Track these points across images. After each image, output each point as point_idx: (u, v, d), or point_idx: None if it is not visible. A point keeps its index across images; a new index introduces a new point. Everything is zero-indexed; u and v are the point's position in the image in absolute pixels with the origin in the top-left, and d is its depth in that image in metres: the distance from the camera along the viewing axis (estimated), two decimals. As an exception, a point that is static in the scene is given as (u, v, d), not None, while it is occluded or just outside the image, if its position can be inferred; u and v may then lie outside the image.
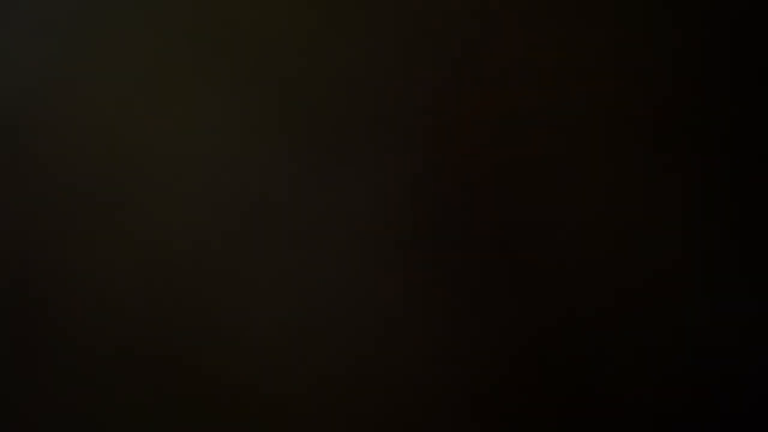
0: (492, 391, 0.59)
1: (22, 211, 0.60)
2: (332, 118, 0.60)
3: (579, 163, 0.60)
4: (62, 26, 0.60)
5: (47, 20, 0.60)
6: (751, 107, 0.60)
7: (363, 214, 0.60)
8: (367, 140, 0.60)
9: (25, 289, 0.59)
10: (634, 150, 0.60)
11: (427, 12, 0.60)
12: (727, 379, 0.59)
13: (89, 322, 0.59)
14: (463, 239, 0.59)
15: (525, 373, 0.59)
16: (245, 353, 0.59)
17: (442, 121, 0.60)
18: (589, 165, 0.60)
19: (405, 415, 0.59)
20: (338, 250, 0.59)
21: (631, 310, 0.59)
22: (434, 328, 0.59)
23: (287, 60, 0.60)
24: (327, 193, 0.60)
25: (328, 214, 0.60)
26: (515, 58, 0.60)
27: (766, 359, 0.59)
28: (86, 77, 0.60)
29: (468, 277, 0.59)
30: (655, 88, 0.60)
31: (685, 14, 0.60)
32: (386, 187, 0.60)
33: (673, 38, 0.60)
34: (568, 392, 0.59)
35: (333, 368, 0.59)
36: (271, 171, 0.60)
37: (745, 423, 0.59)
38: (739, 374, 0.59)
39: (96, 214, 0.60)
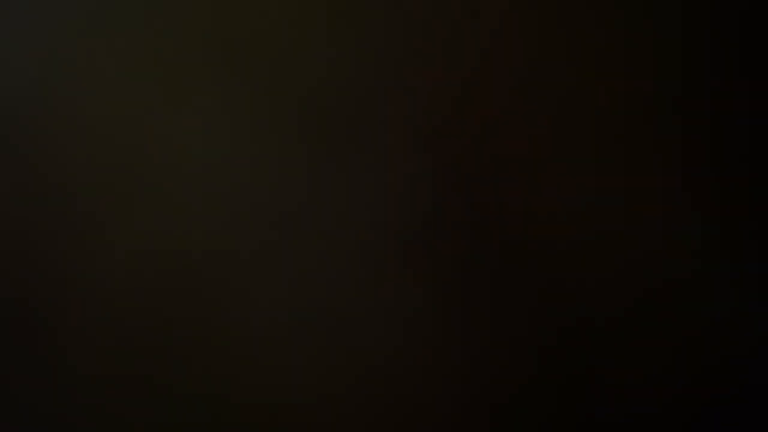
0: (498, 394, 0.59)
1: (21, 213, 0.60)
2: (333, 120, 0.60)
3: (586, 164, 0.60)
4: (62, 27, 0.60)
5: (48, 21, 0.60)
6: (757, 107, 0.60)
7: (365, 215, 0.60)
8: (368, 141, 0.60)
9: (25, 292, 0.59)
10: (641, 151, 0.60)
11: (428, 12, 0.60)
12: (735, 382, 0.59)
13: (89, 324, 0.59)
14: (467, 240, 0.59)
15: (532, 376, 0.59)
16: (246, 355, 0.59)
17: (444, 122, 0.60)
18: (596, 166, 0.60)
19: (408, 417, 0.59)
20: (340, 250, 0.59)
21: (639, 312, 0.59)
22: (437, 330, 0.59)
23: (288, 61, 0.60)
24: (329, 194, 0.60)
25: (329, 216, 0.60)
26: (517, 58, 0.60)
27: None
28: (87, 78, 0.60)
29: (472, 279, 0.59)
30: (660, 89, 0.60)
31: (685, 13, 0.61)
32: (388, 188, 0.60)
33: (673, 38, 0.60)
34: (575, 394, 0.59)
35: (335, 370, 0.59)
36: (271, 172, 0.60)
37: (752, 425, 0.59)
38: (746, 377, 0.59)
39: (96, 215, 0.60)
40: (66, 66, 0.60)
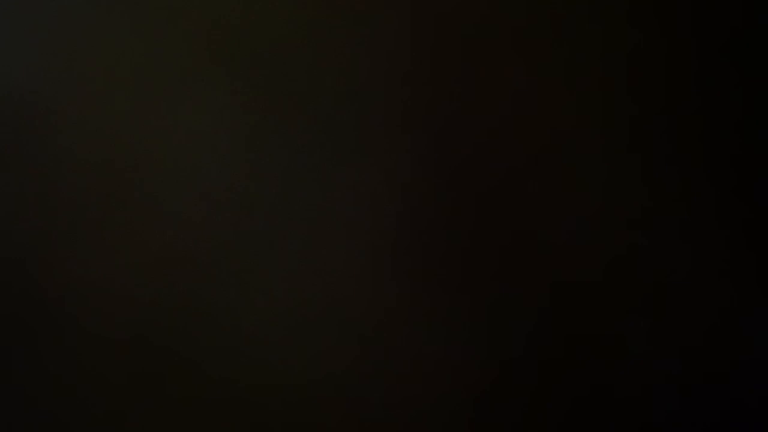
0: (491, 391, 0.59)
1: (23, 213, 0.60)
2: (332, 119, 0.60)
3: (579, 162, 0.60)
4: (63, 27, 0.60)
5: (48, 20, 0.60)
6: (750, 105, 0.60)
7: (362, 214, 0.60)
8: (366, 140, 0.60)
9: (27, 288, 0.60)
10: (634, 149, 0.60)
11: (427, 12, 0.60)
12: (727, 378, 0.59)
13: (90, 324, 0.59)
14: (462, 239, 0.59)
15: (524, 373, 0.59)
16: (244, 351, 0.59)
17: (441, 122, 0.60)
18: (589, 164, 0.60)
19: (405, 415, 0.59)
20: (338, 249, 0.59)
21: (634, 310, 0.59)
22: (433, 328, 0.59)
23: (287, 60, 0.60)
24: (327, 193, 0.60)
25: (328, 215, 0.60)
26: (515, 58, 0.60)
27: (765, 357, 0.59)
28: (89, 77, 0.60)
29: (468, 277, 0.59)
30: (654, 88, 0.60)
31: (682, 13, 0.60)
32: (386, 187, 0.60)
33: (669, 37, 0.60)
34: (569, 392, 0.59)
35: (332, 368, 0.59)
36: (270, 171, 0.60)
37: (745, 422, 0.59)
38: (739, 373, 0.59)
39: (97, 214, 0.60)
40: (66, 67, 0.60)
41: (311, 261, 0.59)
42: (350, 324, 0.59)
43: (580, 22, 0.60)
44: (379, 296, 0.59)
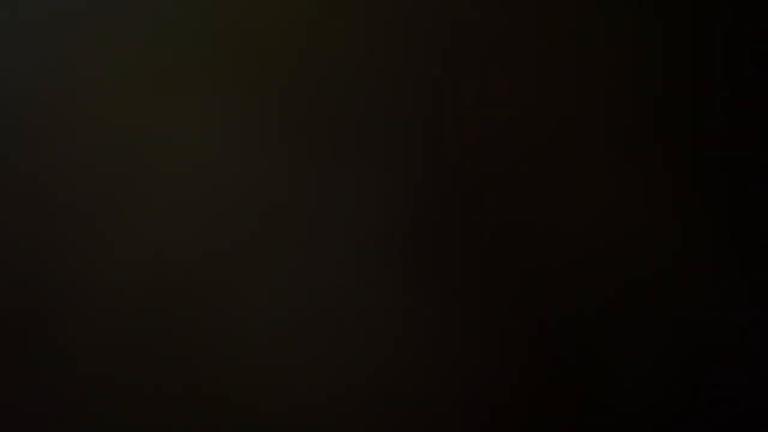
0: (493, 393, 0.59)
1: (16, 214, 0.60)
2: (332, 120, 0.60)
3: (579, 162, 0.60)
4: (63, 27, 0.61)
5: (48, 21, 0.60)
6: (748, 106, 0.60)
7: (363, 216, 0.60)
8: (367, 142, 0.60)
9: (24, 295, 0.59)
10: (634, 150, 0.60)
11: (428, 12, 0.61)
12: (727, 379, 0.59)
13: (89, 326, 0.59)
14: (463, 240, 0.60)
15: (527, 374, 0.59)
16: (246, 355, 0.59)
17: (442, 122, 0.60)
18: (590, 165, 0.60)
19: (408, 416, 0.59)
20: (339, 252, 0.59)
21: (632, 310, 0.59)
22: (435, 330, 0.59)
23: (287, 61, 0.60)
24: (328, 195, 0.60)
25: (328, 217, 0.60)
26: (515, 59, 0.60)
27: (764, 358, 0.59)
28: (87, 79, 0.60)
29: (469, 278, 0.59)
30: (654, 89, 0.60)
31: (679, 13, 0.61)
32: (387, 189, 0.60)
33: (667, 38, 0.61)
34: (572, 392, 0.59)
35: (334, 370, 0.59)
36: (270, 173, 0.60)
37: (745, 423, 0.59)
38: (739, 374, 0.59)
39: (93, 216, 0.60)
40: (63, 68, 0.60)
41: (312, 262, 0.59)
42: (349, 324, 0.59)
43: (584, 21, 0.61)
44: (380, 297, 0.59)
